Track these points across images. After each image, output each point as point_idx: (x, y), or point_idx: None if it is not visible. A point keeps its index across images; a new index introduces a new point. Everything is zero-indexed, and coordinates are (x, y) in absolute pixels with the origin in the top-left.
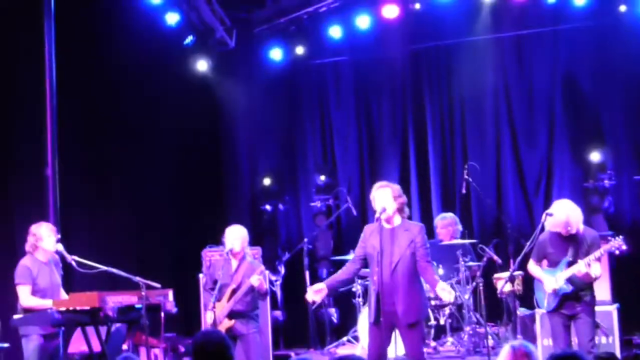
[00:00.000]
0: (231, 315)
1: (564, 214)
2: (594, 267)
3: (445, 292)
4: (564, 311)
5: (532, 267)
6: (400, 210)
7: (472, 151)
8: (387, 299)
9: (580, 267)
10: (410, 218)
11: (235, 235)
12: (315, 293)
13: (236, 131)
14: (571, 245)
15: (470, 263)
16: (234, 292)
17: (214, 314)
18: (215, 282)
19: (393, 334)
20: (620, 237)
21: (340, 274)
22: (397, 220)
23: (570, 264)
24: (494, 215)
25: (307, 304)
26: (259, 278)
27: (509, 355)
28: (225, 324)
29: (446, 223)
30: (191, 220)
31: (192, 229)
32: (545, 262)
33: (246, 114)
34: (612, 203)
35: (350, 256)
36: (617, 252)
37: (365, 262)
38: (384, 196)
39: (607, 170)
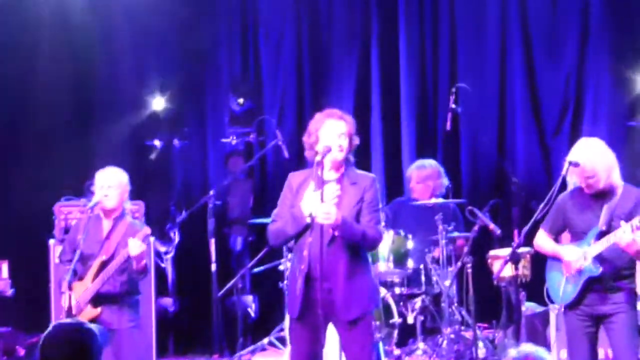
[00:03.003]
0: (97, 300)
1: (581, 158)
2: None
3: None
4: (587, 308)
5: (542, 239)
6: (347, 155)
7: (463, 67)
8: (321, 284)
9: (622, 234)
10: (364, 167)
11: (112, 182)
12: None
13: (116, 31)
14: (604, 207)
15: (456, 233)
16: (103, 266)
17: (68, 298)
18: (75, 251)
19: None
20: None
21: None
22: (337, 170)
23: (602, 234)
24: (493, 163)
25: (212, 288)
26: (140, 245)
27: None
28: (87, 314)
29: (425, 175)
30: (44, 165)
31: (45, 177)
32: (566, 237)
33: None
34: None
35: None
36: None
37: None
38: (336, 131)
39: None
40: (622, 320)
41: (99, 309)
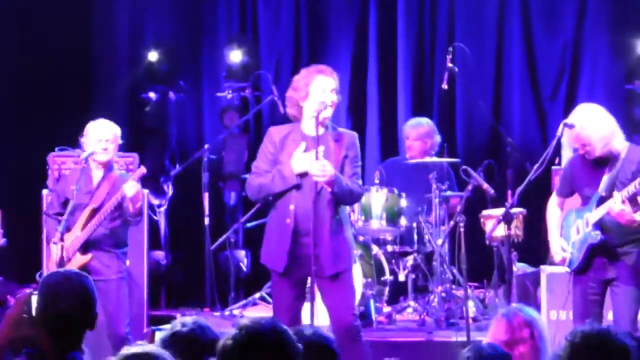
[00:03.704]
0: (87, 248)
1: (577, 124)
2: None
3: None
4: (593, 273)
5: (551, 208)
6: None
7: (461, 28)
8: (308, 239)
9: (612, 204)
10: (360, 126)
11: (109, 135)
12: None
13: None
14: (607, 173)
15: (449, 192)
16: (93, 214)
17: (61, 248)
18: (65, 203)
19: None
20: None
21: None
22: (322, 126)
23: (602, 200)
24: (488, 124)
25: (205, 242)
26: (135, 185)
27: (501, 327)
28: (77, 261)
29: (421, 133)
30: (41, 117)
31: (41, 128)
32: (577, 199)
33: None
34: None
35: None
36: None
37: None
38: (328, 86)
39: None
40: (627, 284)
41: (89, 255)
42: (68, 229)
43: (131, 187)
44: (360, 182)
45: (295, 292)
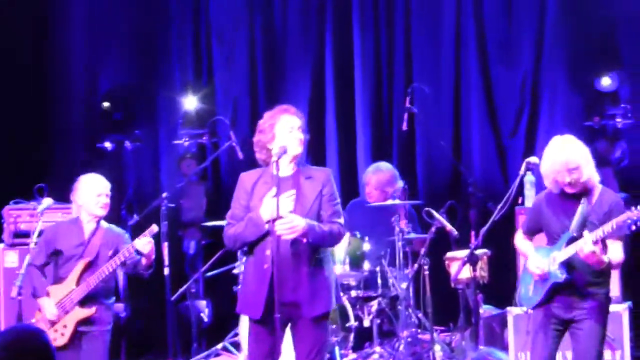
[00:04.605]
0: (84, 302)
1: (563, 151)
2: (613, 247)
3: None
4: (556, 310)
5: (519, 240)
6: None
7: (418, 68)
8: (286, 284)
9: (583, 244)
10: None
11: (102, 188)
12: None
13: (69, 32)
14: (578, 212)
15: (412, 235)
16: (87, 267)
17: (20, 305)
18: (53, 254)
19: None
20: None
21: None
22: (293, 165)
23: (573, 240)
24: (449, 164)
25: (165, 293)
26: (150, 241)
27: None
28: (77, 314)
29: (381, 181)
30: None
31: None
32: (543, 238)
33: (84, 7)
34: (627, 151)
35: None
36: (633, 227)
37: None
38: (294, 125)
39: (620, 103)
40: (589, 327)
41: (93, 308)
42: (59, 280)
43: (146, 245)
44: (341, 220)
45: (273, 339)
